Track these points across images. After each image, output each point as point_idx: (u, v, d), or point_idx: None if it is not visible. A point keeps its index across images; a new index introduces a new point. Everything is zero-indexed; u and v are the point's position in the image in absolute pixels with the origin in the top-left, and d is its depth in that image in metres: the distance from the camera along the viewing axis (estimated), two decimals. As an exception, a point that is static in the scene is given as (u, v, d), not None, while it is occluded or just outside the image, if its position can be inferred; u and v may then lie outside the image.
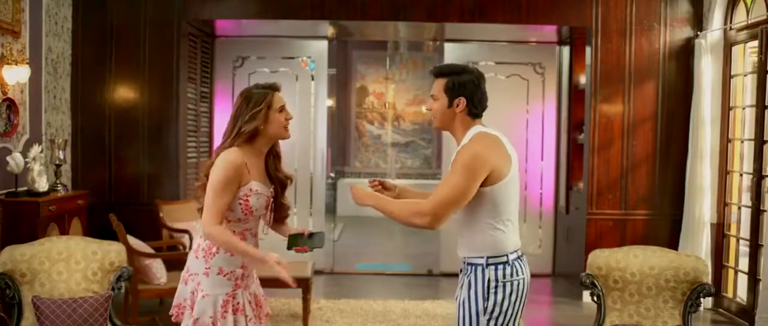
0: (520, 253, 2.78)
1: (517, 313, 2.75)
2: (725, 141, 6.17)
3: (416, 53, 12.76)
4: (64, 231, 5.35)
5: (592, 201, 6.52)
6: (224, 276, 2.92)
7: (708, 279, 3.71)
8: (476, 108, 2.78)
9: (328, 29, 7.29)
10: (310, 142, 7.59)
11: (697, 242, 6.12)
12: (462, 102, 2.76)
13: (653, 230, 6.48)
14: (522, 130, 7.59)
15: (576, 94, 7.24)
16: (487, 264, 2.70)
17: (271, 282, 4.96)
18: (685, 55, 6.43)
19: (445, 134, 7.42)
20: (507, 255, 2.71)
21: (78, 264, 3.74)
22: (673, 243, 6.30)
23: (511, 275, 2.70)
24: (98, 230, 5.49)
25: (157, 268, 4.98)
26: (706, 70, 6.15)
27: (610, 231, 6.51)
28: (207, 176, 2.90)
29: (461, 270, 2.84)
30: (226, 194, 2.83)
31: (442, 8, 6.55)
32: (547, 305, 6.70)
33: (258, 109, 2.89)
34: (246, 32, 7.48)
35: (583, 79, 7.07)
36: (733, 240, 6.15)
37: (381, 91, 12.97)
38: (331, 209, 8.83)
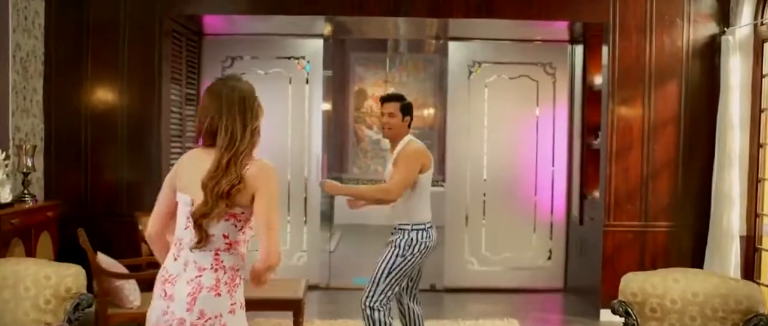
0: (431, 224, 4.23)
1: (416, 263, 4.17)
2: (756, 146, 5.71)
3: (417, 55, 12.23)
4: (30, 247, 4.85)
5: (610, 212, 6.03)
6: (243, 308, 2.65)
7: (764, 308, 3.20)
8: (411, 121, 4.28)
9: (324, 26, 6.81)
10: (304, 146, 7.12)
11: (725, 257, 5.64)
12: (408, 118, 4.27)
13: (676, 243, 6.00)
14: (531, 133, 7.08)
15: (590, 96, 6.74)
16: (412, 229, 4.14)
17: (260, 305, 4.53)
18: (710, 53, 5.95)
19: (448, 141, 7.19)
20: (424, 224, 4.18)
21: (28, 291, 3.22)
22: (697, 258, 5.83)
23: (424, 238, 4.15)
24: (73, 244, 4.98)
25: (129, 290, 4.45)
26: (734, 69, 5.68)
27: (629, 244, 6.02)
28: (232, 187, 2.44)
29: (392, 233, 4.22)
30: None
31: (445, 2, 6.07)
32: (560, 325, 6.20)
33: (259, 122, 2.60)
34: (236, 30, 6.98)
35: (597, 80, 6.59)
36: (765, 255, 5.68)
37: (380, 94, 12.43)
38: (326, 217, 8.36)
